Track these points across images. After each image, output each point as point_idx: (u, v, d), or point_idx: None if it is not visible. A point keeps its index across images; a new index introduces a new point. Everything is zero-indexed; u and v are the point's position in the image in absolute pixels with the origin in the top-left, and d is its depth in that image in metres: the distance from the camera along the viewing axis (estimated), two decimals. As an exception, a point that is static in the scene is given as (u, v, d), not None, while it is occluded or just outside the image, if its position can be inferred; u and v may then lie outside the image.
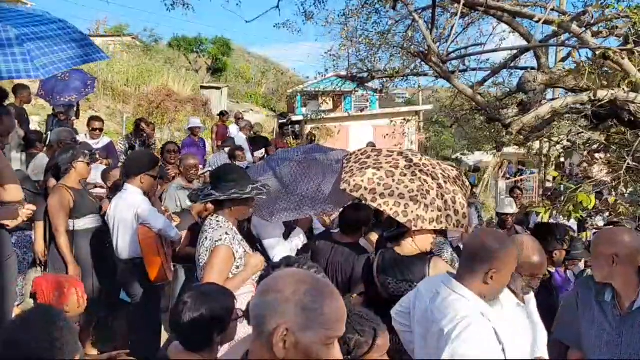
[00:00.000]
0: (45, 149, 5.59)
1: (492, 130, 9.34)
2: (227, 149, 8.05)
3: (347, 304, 1.34)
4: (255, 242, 3.79)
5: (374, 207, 3.22)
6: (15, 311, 3.02)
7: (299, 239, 3.87)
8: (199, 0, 10.86)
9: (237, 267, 2.75)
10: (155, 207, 4.01)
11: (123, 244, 3.77)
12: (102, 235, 4.05)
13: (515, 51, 5.61)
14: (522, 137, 4.63)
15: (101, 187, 4.67)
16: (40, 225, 4.10)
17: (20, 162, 5.40)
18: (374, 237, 3.85)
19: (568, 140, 5.61)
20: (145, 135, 7.26)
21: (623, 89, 3.90)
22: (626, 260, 2.16)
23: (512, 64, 5.93)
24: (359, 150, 3.57)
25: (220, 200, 2.83)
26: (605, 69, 4.25)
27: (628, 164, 3.60)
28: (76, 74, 7.77)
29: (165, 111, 14.43)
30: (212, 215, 2.87)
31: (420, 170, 3.17)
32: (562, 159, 9.54)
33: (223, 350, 2.17)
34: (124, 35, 22.65)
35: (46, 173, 4.63)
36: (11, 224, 2.84)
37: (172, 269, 4.02)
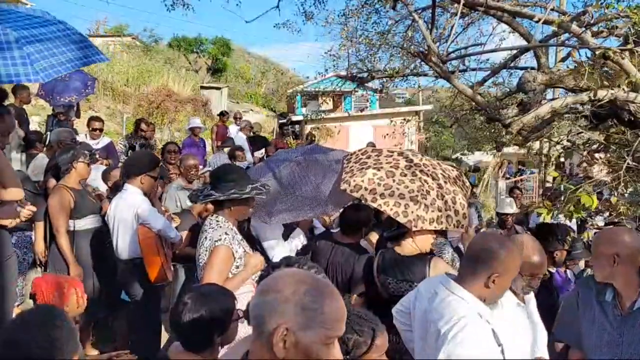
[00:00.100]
0: (45, 149, 5.59)
1: (492, 130, 9.35)
2: (226, 149, 8.05)
3: (346, 304, 1.34)
4: (255, 243, 3.79)
5: (374, 207, 3.22)
6: (15, 311, 3.01)
7: (298, 240, 3.87)
8: (199, 0, 10.85)
9: (237, 267, 2.75)
10: (155, 207, 4.01)
11: (123, 244, 3.77)
12: (102, 236, 4.05)
13: (515, 51, 5.61)
14: (522, 137, 4.63)
15: (99, 194, 4.66)
16: (40, 226, 4.10)
17: (20, 162, 5.40)
18: (374, 237, 3.85)
19: (568, 140, 5.60)
20: (145, 135, 7.26)
21: (623, 89, 3.90)
22: (627, 260, 2.15)
23: (512, 64, 5.92)
24: (359, 150, 3.57)
25: (220, 200, 2.84)
26: (606, 69, 4.25)
27: (628, 163, 3.60)
28: (76, 75, 7.76)
29: (165, 111, 14.43)
30: (212, 215, 2.88)
31: (421, 171, 3.17)
32: (562, 159, 9.54)
33: (223, 350, 2.17)
34: (123, 35, 22.67)
35: (46, 173, 4.64)
36: (9, 223, 2.84)
37: (172, 269, 4.02)
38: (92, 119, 6.76)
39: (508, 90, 6.58)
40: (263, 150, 9.10)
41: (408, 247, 2.94)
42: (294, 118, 17.76)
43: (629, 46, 3.81)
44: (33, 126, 8.50)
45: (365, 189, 3.08)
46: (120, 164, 5.44)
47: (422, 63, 5.58)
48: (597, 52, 3.86)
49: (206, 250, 2.73)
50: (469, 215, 3.23)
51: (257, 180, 3.04)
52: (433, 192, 3.06)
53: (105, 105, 13.94)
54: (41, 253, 4.15)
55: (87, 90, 7.99)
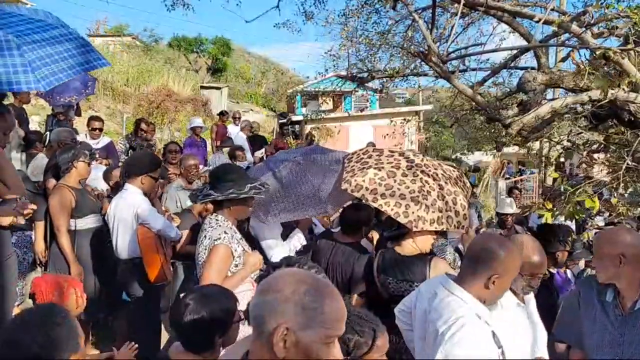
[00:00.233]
0: (44, 149, 5.59)
1: (492, 130, 9.33)
2: (226, 150, 8.05)
3: (346, 304, 1.34)
4: (254, 243, 3.79)
5: (374, 207, 3.22)
6: (15, 311, 3.01)
7: (297, 240, 3.87)
8: (199, 0, 10.86)
9: (236, 266, 2.78)
10: (156, 207, 4.01)
11: (123, 244, 3.77)
12: (102, 235, 4.05)
13: (515, 51, 5.61)
14: (522, 137, 4.63)
15: (99, 193, 4.66)
16: (40, 225, 4.10)
17: (20, 162, 5.40)
18: (377, 236, 3.85)
19: (568, 141, 5.60)
20: (145, 135, 7.25)
21: (623, 89, 3.90)
22: (633, 260, 2.15)
23: (512, 64, 5.92)
24: (360, 150, 3.57)
25: (219, 200, 2.85)
26: (606, 69, 4.25)
27: (628, 164, 3.60)
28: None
29: (165, 111, 14.42)
30: (212, 215, 2.90)
31: (422, 171, 3.17)
32: (562, 160, 9.54)
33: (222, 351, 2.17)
34: (124, 35, 22.68)
35: (45, 173, 4.63)
36: (5, 221, 2.83)
37: (172, 268, 4.03)
38: (92, 118, 6.76)
39: (508, 90, 6.58)
40: (263, 150, 9.10)
41: (408, 247, 2.94)
42: (294, 118, 17.77)
43: (629, 46, 3.81)
44: (33, 126, 8.49)
45: (366, 188, 3.09)
46: (120, 164, 5.44)
47: (422, 63, 5.58)
48: (597, 52, 3.86)
49: (205, 249, 2.75)
50: (469, 216, 3.23)
51: (256, 179, 3.04)
52: (434, 193, 3.06)
53: (105, 105, 13.93)
54: (41, 253, 4.15)
55: (87, 91, 7.98)
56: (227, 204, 2.86)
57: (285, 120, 17.33)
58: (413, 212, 2.94)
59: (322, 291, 1.28)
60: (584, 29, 4.07)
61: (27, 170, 5.07)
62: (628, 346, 2.14)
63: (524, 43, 5.07)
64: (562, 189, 3.65)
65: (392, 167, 3.19)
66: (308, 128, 16.30)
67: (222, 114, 10.93)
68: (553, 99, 4.87)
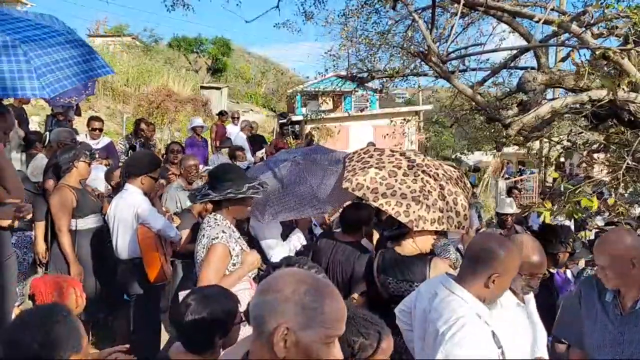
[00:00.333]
0: (44, 149, 5.59)
1: (492, 130, 9.33)
2: (224, 150, 8.05)
3: (351, 307, 1.34)
4: (254, 242, 3.80)
5: (375, 206, 3.22)
6: (16, 311, 3.01)
7: (297, 240, 3.87)
8: (199, 0, 10.85)
9: (234, 265, 2.80)
10: (156, 207, 4.01)
11: (123, 244, 3.77)
12: (103, 235, 4.05)
13: (515, 51, 5.61)
14: (522, 137, 4.63)
15: (99, 193, 4.66)
16: (40, 226, 4.10)
17: (20, 162, 5.40)
18: (376, 235, 3.85)
19: (568, 141, 5.60)
20: (145, 135, 7.25)
21: (623, 89, 3.90)
22: None
23: (512, 64, 5.92)
24: (361, 149, 3.58)
25: (218, 200, 2.86)
26: (607, 69, 4.25)
27: (628, 163, 3.60)
28: (76, 75, 7.74)
29: (165, 111, 14.42)
30: (211, 214, 2.93)
31: (423, 171, 3.17)
32: (562, 159, 9.54)
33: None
34: (124, 35, 22.67)
35: (45, 173, 4.63)
36: (4, 222, 2.83)
37: (171, 267, 4.03)
38: (92, 118, 6.75)
39: (508, 90, 6.58)
40: (264, 150, 9.10)
41: (408, 247, 2.94)
42: (294, 118, 17.76)
43: (629, 46, 3.81)
44: (33, 126, 8.49)
45: (367, 187, 3.09)
46: (120, 164, 5.44)
47: (422, 63, 5.58)
48: (597, 52, 3.86)
49: (203, 248, 2.78)
50: (470, 217, 3.23)
51: (254, 179, 3.05)
52: (435, 193, 3.06)
53: (105, 105, 13.93)
54: (42, 253, 4.15)
55: (86, 91, 7.96)
56: (225, 204, 2.88)
57: (285, 120, 17.32)
58: (414, 212, 2.94)
59: (322, 291, 1.28)
60: (583, 29, 4.08)
61: (27, 171, 5.07)
62: (628, 345, 2.15)
63: (524, 43, 5.07)
64: (562, 189, 3.65)
65: (393, 166, 3.20)
66: (308, 128, 16.30)
67: (221, 114, 10.92)
68: (553, 99, 4.87)
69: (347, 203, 3.68)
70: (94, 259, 4.04)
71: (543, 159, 14.03)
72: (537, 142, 12.16)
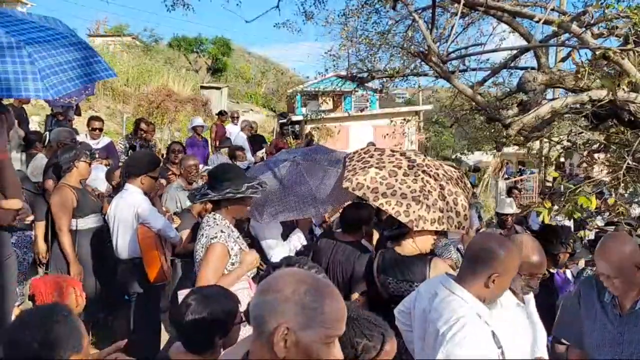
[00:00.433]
0: (44, 149, 5.59)
1: (492, 130, 9.33)
2: (224, 150, 8.05)
3: (355, 308, 1.34)
4: (254, 242, 3.79)
5: (375, 206, 3.22)
6: (16, 311, 3.01)
7: (297, 240, 3.87)
8: (199, 0, 10.84)
9: (233, 264, 2.81)
10: (156, 207, 4.01)
11: (123, 244, 3.77)
12: (103, 235, 4.05)
13: (515, 51, 5.61)
14: (522, 137, 4.63)
15: (99, 193, 4.66)
16: (40, 225, 4.11)
17: (20, 162, 5.40)
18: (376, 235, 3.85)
19: (568, 141, 5.60)
20: (145, 135, 7.25)
21: (623, 89, 3.90)
22: None
23: (512, 64, 5.92)
24: (361, 149, 3.58)
25: (217, 199, 2.86)
26: (607, 69, 4.25)
27: (628, 164, 3.60)
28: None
29: (165, 111, 14.42)
30: (210, 214, 2.94)
31: (423, 171, 3.17)
32: (562, 159, 9.53)
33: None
34: (124, 35, 22.67)
35: (45, 173, 4.63)
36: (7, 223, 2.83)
37: (171, 267, 4.03)
38: (92, 118, 6.75)
39: (508, 90, 6.57)
40: (264, 150, 9.10)
41: (408, 247, 2.94)
42: (294, 118, 17.76)
43: (629, 46, 3.81)
44: (32, 126, 8.49)
45: (368, 187, 3.09)
46: (120, 164, 5.44)
47: (422, 63, 5.58)
48: (597, 53, 3.86)
49: (202, 247, 2.80)
50: (470, 217, 3.23)
51: (254, 179, 3.06)
52: (435, 193, 3.06)
53: (105, 105, 13.93)
54: (42, 253, 4.15)
55: (86, 91, 7.96)
56: (224, 203, 2.89)
57: (285, 120, 17.33)
58: (414, 212, 2.94)
59: (322, 291, 1.28)
60: (584, 29, 4.07)
61: (27, 171, 5.07)
62: (628, 345, 2.15)
63: (524, 43, 5.06)
64: (562, 188, 3.66)
65: (393, 166, 3.20)
66: (308, 128, 16.31)
67: (220, 114, 10.92)
68: (553, 99, 4.86)
69: (348, 203, 3.68)
70: (94, 259, 4.04)
71: (543, 159, 14.03)
72: (537, 142, 12.16)
